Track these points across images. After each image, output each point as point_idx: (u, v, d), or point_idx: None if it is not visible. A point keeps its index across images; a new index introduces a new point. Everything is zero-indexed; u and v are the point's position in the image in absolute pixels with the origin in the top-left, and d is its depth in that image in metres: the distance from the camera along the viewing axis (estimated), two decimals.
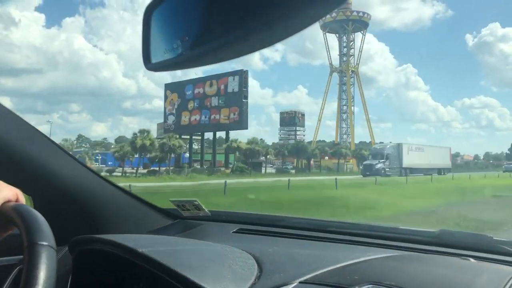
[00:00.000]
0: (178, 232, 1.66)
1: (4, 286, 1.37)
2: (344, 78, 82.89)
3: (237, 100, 44.71)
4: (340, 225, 1.50)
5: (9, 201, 0.86)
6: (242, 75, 45.56)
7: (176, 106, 49.37)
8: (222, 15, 0.55)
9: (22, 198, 0.90)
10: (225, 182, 17.01)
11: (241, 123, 45.44)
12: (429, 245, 1.22)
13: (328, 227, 1.47)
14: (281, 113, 76.70)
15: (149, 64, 0.67)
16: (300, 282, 0.90)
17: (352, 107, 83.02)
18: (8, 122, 1.28)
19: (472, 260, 1.08)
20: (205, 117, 47.46)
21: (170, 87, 51.81)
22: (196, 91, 48.83)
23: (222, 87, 46.60)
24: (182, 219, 1.74)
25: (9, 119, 1.29)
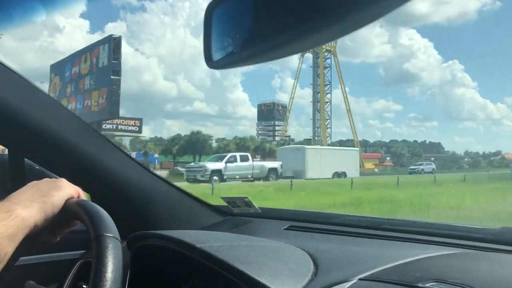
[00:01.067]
0: (229, 229, 1.68)
1: (67, 280, 1.43)
2: (317, 59, 68.97)
3: (106, 77, 31.41)
4: (393, 222, 1.47)
5: (71, 197, 0.90)
6: (111, 42, 31.56)
7: (57, 93, 36.35)
8: (279, 14, 0.55)
9: (83, 195, 0.95)
10: None
11: (111, 111, 31.84)
12: (490, 243, 1.18)
13: (381, 225, 1.44)
14: (259, 106, 67.67)
15: (211, 62, 0.68)
16: (360, 279, 0.89)
17: (328, 95, 71.57)
18: (68, 122, 1.34)
19: None
20: (80, 105, 34.43)
21: (54, 69, 38.86)
22: (73, 70, 36.02)
23: (94, 61, 33.28)
24: (232, 215, 1.76)
25: (68, 120, 1.35)
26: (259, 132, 66.19)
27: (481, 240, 1.20)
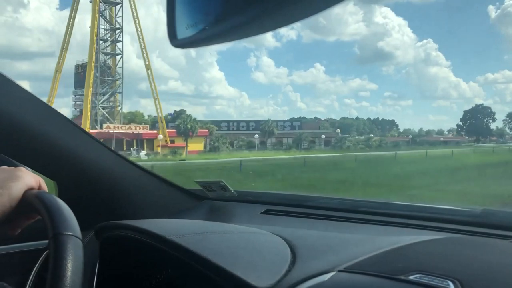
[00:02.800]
0: (204, 214, 1.63)
1: (33, 271, 1.36)
2: None
3: None
4: (372, 205, 1.43)
5: (31, 188, 0.83)
6: None
7: None
8: None
9: (44, 185, 0.88)
10: None
11: None
12: (472, 225, 1.15)
13: (360, 207, 1.41)
14: (76, 67, 50.73)
15: (175, 40, 0.62)
16: (339, 271, 0.85)
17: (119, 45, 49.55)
18: (28, 105, 1.24)
19: None
20: None
21: None
22: None
23: None
24: (207, 199, 1.71)
25: (29, 102, 1.25)
26: (77, 103, 51.28)
27: (463, 223, 1.17)
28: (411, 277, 0.77)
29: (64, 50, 48.03)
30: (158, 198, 1.59)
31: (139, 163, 1.57)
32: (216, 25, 0.56)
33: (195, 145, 44.84)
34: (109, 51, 50.57)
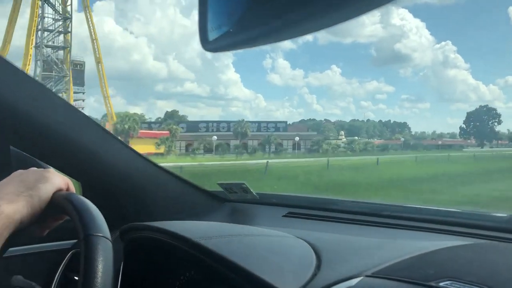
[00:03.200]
0: (226, 216, 1.63)
1: (58, 272, 1.38)
2: None
3: None
4: (397, 208, 1.41)
5: (60, 190, 0.84)
6: None
7: None
8: None
9: (72, 187, 0.89)
10: None
11: None
12: (502, 231, 1.13)
13: (384, 211, 1.39)
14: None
15: (207, 45, 0.62)
16: (366, 276, 0.84)
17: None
18: (55, 108, 1.26)
19: None
20: None
21: None
22: None
23: None
24: (229, 201, 1.71)
25: (55, 104, 1.27)
26: None
27: (491, 229, 1.15)
28: (441, 284, 0.76)
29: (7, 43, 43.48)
30: (180, 200, 1.60)
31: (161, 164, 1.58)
32: (248, 29, 0.57)
33: (142, 147, 37.72)
34: (59, 44, 44.86)
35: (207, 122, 55.26)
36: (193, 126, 52.52)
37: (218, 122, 55.32)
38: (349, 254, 1.01)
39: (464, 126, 62.83)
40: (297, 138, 49.70)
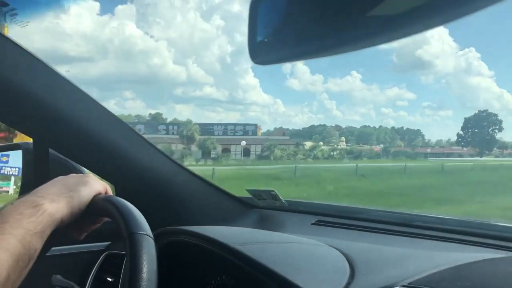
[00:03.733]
0: (254, 222, 1.64)
1: (92, 272, 1.41)
2: None
3: None
4: (428, 219, 1.40)
5: (99, 193, 0.88)
6: None
7: None
8: (332, 15, 0.52)
9: (110, 191, 0.93)
10: None
11: None
12: None
13: (415, 222, 1.38)
14: None
15: (256, 58, 0.65)
16: (402, 286, 0.84)
17: None
18: (95, 114, 1.30)
19: None
20: None
21: None
22: None
23: None
24: (257, 208, 1.72)
25: (95, 111, 1.30)
26: None
27: None
28: None
29: None
30: (210, 205, 1.62)
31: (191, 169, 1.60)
32: (293, 46, 0.59)
33: None
34: None
35: (167, 124, 50.76)
36: (154, 127, 48.76)
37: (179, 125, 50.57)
38: (382, 264, 1.01)
39: (461, 133, 55.56)
40: (243, 143, 44.54)
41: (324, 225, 1.48)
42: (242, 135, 47.11)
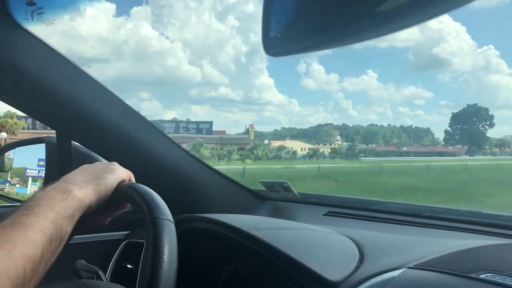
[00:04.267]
0: (267, 213, 1.69)
1: (112, 259, 1.47)
2: None
3: None
4: (437, 210, 1.44)
5: (123, 180, 0.92)
6: None
7: None
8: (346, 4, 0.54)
9: (133, 178, 0.97)
10: None
11: None
12: None
13: (424, 212, 1.42)
14: None
15: (269, 49, 0.67)
16: (409, 268, 0.89)
17: None
18: (114, 107, 1.36)
19: None
20: None
21: None
22: None
23: None
24: (270, 200, 1.77)
25: (114, 104, 1.36)
26: None
27: None
28: (482, 276, 0.79)
29: None
30: (224, 196, 1.67)
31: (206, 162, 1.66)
32: (309, 36, 0.61)
33: None
34: None
35: None
36: None
37: None
38: (390, 250, 1.05)
39: (449, 129, 50.71)
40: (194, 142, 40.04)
41: (335, 216, 1.52)
42: (195, 133, 44.96)
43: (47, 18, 1.14)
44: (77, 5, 1.16)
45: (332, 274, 0.90)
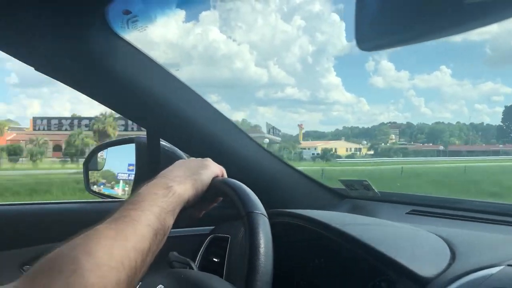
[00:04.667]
0: (347, 211, 1.68)
1: (199, 253, 1.55)
2: None
3: None
4: None
5: (217, 176, 0.96)
6: None
7: None
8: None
9: (225, 174, 1.00)
10: None
11: None
12: None
13: (510, 211, 1.36)
14: None
15: (363, 44, 0.68)
16: (508, 265, 0.86)
17: None
18: (199, 108, 1.43)
19: None
20: None
21: None
22: None
23: None
24: (349, 198, 1.76)
25: (199, 105, 1.43)
26: None
27: None
28: None
29: None
30: (303, 194, 1.69)
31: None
32: (402, 30, 0.62)
33: None
34: None
35: (59, 118, 45.70)
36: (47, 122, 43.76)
37: (80, 119, 46.47)
38: (483, 247, 1.02)
39: (502, 124, 43.47)
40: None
41: (419, 215, 1.49)
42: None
43: (141, 25, 1.22)
44: (167, 12, 1.23)
45: (425, 270, 0.89)
